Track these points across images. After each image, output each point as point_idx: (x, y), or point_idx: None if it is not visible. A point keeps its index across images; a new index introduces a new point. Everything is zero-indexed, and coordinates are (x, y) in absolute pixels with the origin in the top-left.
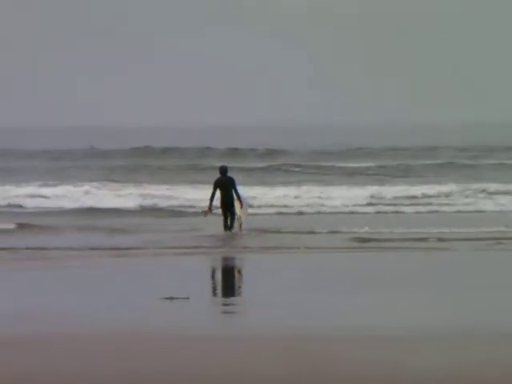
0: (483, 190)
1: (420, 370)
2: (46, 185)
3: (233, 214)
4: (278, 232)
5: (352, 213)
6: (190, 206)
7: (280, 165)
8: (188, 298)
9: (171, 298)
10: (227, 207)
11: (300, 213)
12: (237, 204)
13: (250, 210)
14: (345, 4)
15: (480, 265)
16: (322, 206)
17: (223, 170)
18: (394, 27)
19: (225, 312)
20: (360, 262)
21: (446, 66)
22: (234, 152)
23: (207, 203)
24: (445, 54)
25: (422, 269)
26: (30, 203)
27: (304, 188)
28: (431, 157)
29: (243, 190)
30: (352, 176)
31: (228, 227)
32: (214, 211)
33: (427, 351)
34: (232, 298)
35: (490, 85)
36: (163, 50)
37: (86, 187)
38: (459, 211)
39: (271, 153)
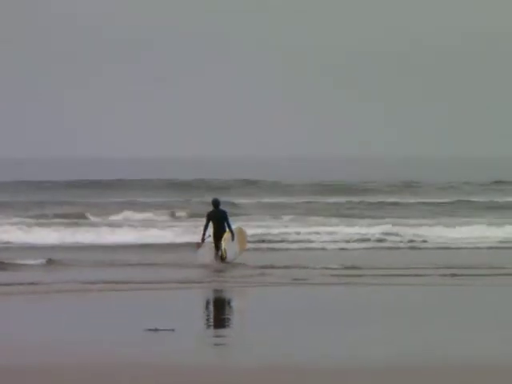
0: None
1: None
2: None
3: (221, 245)
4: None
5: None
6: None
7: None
8: (173, 330)
9: (156, 330)
10: (219, 239)
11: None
12: (226, 236)
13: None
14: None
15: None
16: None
17: (216, 203)
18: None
19: (210, 344)
20: (346, 295)
21: None
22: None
23: (200, 235)
24: None
25: (412, 301)
26: None
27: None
28: None
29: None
30: None
31: (220, 258)
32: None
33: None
34: (218, 330)
35: None
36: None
37: None
38: None
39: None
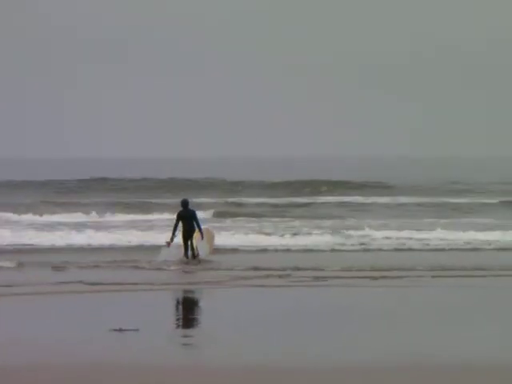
0: None
1: None
2: None
3: (192, 243)
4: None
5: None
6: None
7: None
8: (137, 330)
9: (120, 330)
10: (188, 237)
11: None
12: (196, 235)
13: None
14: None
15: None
16: None
17: (185, 204)
18: None
19: (176, 343)
20: (319, 298)
21: None
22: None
23: (170, 234)
24: None
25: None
26: None
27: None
28: None
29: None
30: None
31: (187, 255)
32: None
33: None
34: (184, 330)
35: None
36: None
37: None
38: None
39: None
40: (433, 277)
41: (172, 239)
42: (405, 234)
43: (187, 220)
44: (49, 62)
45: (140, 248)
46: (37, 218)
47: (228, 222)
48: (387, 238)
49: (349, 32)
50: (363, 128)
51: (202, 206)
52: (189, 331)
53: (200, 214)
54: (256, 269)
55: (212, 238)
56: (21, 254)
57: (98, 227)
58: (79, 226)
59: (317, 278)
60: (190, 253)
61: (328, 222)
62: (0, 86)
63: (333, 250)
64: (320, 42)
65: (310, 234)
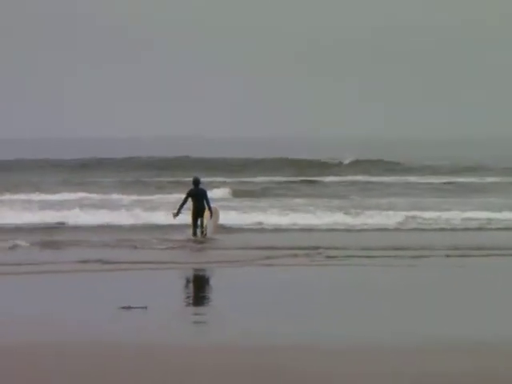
0: None
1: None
2: None
3: (202, 221)
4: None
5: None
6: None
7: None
8: (146, 308)
9: (129, 308)
10: (198, 216)
11: None
12: (206, 214)
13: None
14: None
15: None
16: None
17: (196, 182)
18: None
19: (185, 321)
20: (333, 277)
21: None
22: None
23: (177, 207)
24: None
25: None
26: None
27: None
28: None
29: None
30: None
31: (196, 233)
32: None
33: (394, 362)
34: (194, 308)
35: None
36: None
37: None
38: None
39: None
40: (447, 256)
41: (178, 213)
42: (427, 213)
43: (198, 198)
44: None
45: (152, 227)
46: (48, 197)
47: (244, 201)
48: (413, 217)
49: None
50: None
51: (217, 185)
52: (198, 309)
53: (216, 193)
54: (270, 248)
55: (217, 217)
56: (30, 233)
57: (109, 206)
58: (89, 205)
59: (331, 257)
60: (198, 231)
61: (343, 202)
62: None
63: (349, 230)
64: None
65: (324, 212)
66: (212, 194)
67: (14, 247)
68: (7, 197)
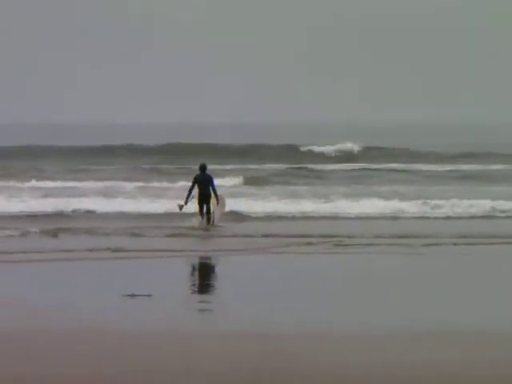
0: None
1: (391, 366)
2: None
3: (209, 208)
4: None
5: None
6: None
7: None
8: (150, 296)
9: (133, 295)
10: (204, 201)
11: None
12: (213, 201)
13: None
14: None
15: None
16: None
17: (203, 168)
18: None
19: (189, 309)
20: (339, 265)
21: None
22: None
23: (185, 196)
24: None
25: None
26: None
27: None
28: None
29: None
30: None
31: (203, 218)
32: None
33: (396, 350)
34: (199, 296)
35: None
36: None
37: None
38: None
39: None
40: (455, 244)
41: (186, 202)
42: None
43: (203, 184)
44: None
45: (161, 215)
46: (57, 184)
47: (256, 189)
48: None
49: None
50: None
51: (230, 173)
52: (203, 297)
53: (227, 181)
54: (275, 236)
55: (224, 204)
56: (35, 220)
57: (119, 193)
58: (100, 192)
59: (338, 245)
60: (205, 218)
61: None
62: None
63: (359, 218)
64: None
65: (335, 200)
66: (224, 181)
67: (24, 234)
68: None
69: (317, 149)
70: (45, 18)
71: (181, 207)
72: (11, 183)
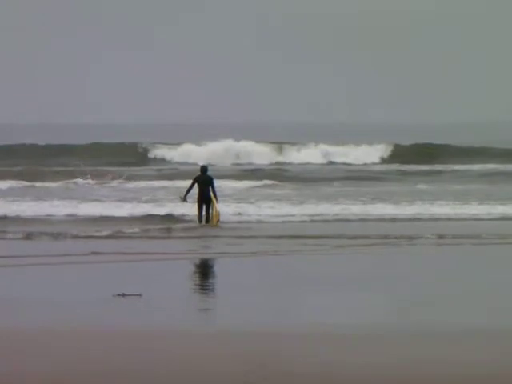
0: None
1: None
2: None
3: (208, 208)
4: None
5: None
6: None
7: None
8: (140, 295)
9: (123, 295)
10: (203, 202)
11: None
12: (214, 202)
13: None
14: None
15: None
16: None
17: (204, 169)
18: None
19: (180, 309)
20: (338, 265)
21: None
22: None
23: (184, 192)
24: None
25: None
26: None
27: None
28: None
29: None
30: None
31: (201, 219)
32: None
33: (383, 349)
34: (191, 296)
35: None
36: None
37: None
38: None
39: None
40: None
41: (185, 198)
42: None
43: (203, 185)
44: None
45: (153, 217)
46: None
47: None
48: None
49: None
50: None
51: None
52: (202, 299)
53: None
54: (280, 237)
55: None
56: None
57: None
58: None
59: (336, 247)
60: (204, 218)
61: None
62: None
63: (361, 219)
64: None
65: (346, 203)
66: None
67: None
68: None
69: None
70: (45, 18)
71: (181, 199)
72: None
